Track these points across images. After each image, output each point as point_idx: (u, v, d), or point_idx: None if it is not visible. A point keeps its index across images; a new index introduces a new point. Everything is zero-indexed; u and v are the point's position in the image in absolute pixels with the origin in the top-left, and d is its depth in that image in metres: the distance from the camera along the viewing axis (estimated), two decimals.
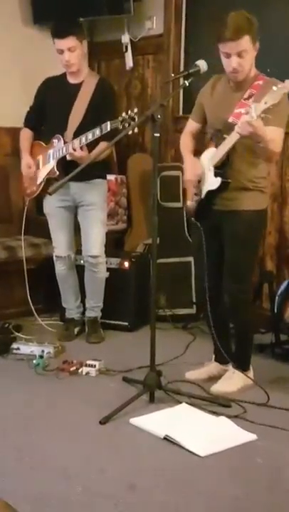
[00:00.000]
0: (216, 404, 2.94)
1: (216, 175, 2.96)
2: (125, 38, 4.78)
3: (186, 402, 2.93)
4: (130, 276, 4.09)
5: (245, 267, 3.08)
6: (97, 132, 3.41)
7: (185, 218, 4.50)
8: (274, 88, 2.64)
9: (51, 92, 3.80)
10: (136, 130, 3.21)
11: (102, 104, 3.62)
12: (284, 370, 3.44)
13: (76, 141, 3.52)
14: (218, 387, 3.11)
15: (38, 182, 3.79)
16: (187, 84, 2.95)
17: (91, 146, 3.54)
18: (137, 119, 3.16)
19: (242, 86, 2.96)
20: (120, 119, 3.20)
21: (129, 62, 4.86)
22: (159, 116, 2.84)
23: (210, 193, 3.00)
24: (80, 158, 3.48)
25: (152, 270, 2.97)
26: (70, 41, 3.57)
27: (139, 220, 4.75)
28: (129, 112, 3.21)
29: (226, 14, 2.87)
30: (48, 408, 2.93)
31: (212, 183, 2.98)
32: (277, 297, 3.68)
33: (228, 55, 2.86)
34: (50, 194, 3.22)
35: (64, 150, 3.60)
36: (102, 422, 2.73)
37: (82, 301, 4.00)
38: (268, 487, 2.31)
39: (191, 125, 3.24)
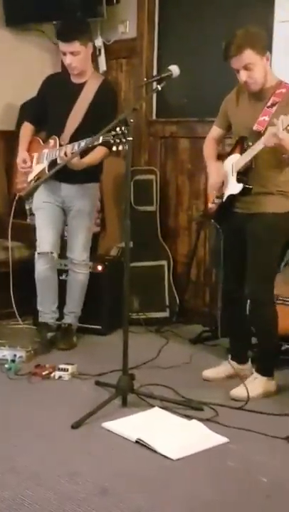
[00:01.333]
0: (189, 407, 2.95)
1: (238, 180, 3.02)
2: (98, 42, 4.78)
3: (159, 406, 2.93)
4: (104, 279, 4.09)
5: (266, 267, 3.10)
6: (89, 142, 3.34)
7: (158, 222, 4.52)
8: None
9: (53, 89, 3.75)
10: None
11: (103, 107, 3.56)
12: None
13: (69, 147, 3.48)
14: (239, 391, 3.08)
15: (29, 179, 3.75)
16: (160, 88, 2.98)
17: (86, 150, 3.46)
18: (126, 135, 3.11)
19: (264, 95, 3.01)
20: (113, 133, 3.14)
21: (103, 65, 4.85)
22: (132, 120, 2.86)
23: (231, 197, 3.06)
24: (70, 163, 3.43)
25: (125, 274, 2.98)
26: (73, 46, 3.53)
27: (113, 223, 4.75)
28: (123, 128, 3.13)
29: (232, 33, 2.94)
30: (20, 412, 2.91)
31: (234, 187, 3.04)
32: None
33: (238, 70, 2.94)
34: (23, 198, 3.20)
35: (56, 153, 3.56)
36: (74, 427, 2.72)
37: (60, 308, 3.91)
38: (239, 490, 2.32)
39: (216, 131, 3.31)
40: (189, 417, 2.84)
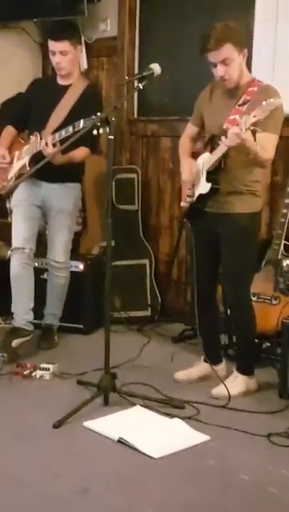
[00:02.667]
0: (170, 406, 2.95)
1: (207, 180, 3.00)
2: None
3: (141, 405, 2.94)
4: (85, 278, 4.08)
5: (240, 269, 3.10)
6: (70, 129, 3.31)
7: (140, 220, 4.52)
8: (263, 103, 2.65)
9: (38, 92, 3.75)
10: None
11: (86, 109, 3.50)
12: None
13: (50, 137, 3.45)
14: (220, 390, 3.09)
15: (9, 177, 3.71)
16: (141, 87, 2.97)
17: (68, 149, 3.40)
18: (109, 120, 3.10)
19: (236, 93, 2.99)
20: (93, 117, 3.11)
21: (84, 64, 4.83)
22: (113, 118, 2.85)
23: (201, 196, 3.05)
24: (50, 154, 3.37)
25: (107, 273, 2.97)
26: (63, 45, 3.52)
27: (94, 222, 4.74)
28: (104, 112, 3.14)
29: (210, 27, 2.89)
30: (1, 412, 2.89)
31: (203, 187, 3.02)
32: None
33: (214, 65, 2.90)
34: (2, 197, 3.17)
35: (38, 146, 3.54)
36: (56, 426, 2.71)
37: (39, 309, 3.81)
38: (220, 488, 2.33)
39: (191, 129, 3.29)
40: (171, 416, 2.85)
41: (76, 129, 3.25)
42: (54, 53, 3.56)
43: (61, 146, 3.24)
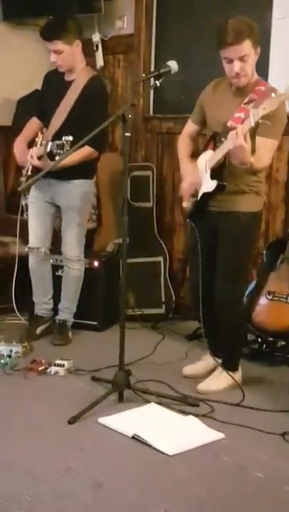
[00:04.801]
0: (185, 403, 2.95)
1: (212, 177, 2.97)
2: (96, 37, 4.78)
3: (155, 402, 2.94)
4: (100, 275, 4.08)
5: (238, 266, 3.09)
6: (48, 149, 3.42)
7: (155, 218, 4.53)
8: (273, 95, 2.63)
9: (49, 86, 3.78)
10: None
11: (89, 102, 3.55)
12: (251, 370, 3.47)
13: (35, 149, 3.51)
14: (205, 386, 3.12)
15: (24, 174, 3.73)
16: (158, 84, 2.95)
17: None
18: (68, 146, 3.20)
19: (243, 91, 2.95)
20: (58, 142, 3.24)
21: (100, 61, 4.85)
22: (130, 116, 2.85)
23: (206, 195, 3.02)
24: (37, 166, 3.47)
25: (122, 270, 2.97)
26: (55, 45, 3.54)
27: (109, 219, 4.74)
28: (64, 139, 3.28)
29: (224, 21, 2.84)
30: (16, 408, 2.91)
31: (208, 185, 2.99)
32: (244, 297, 3.71)
33: (230, 61, 2.84)
34: (19, 192, 3.19)
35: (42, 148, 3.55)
36: (71, 422, 2.72)
37: (55, 301, 3.94)
38: (234, 486, 2.33)
39: (191, 126, 3.25)
40: (185, 413, 2.85)
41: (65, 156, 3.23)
42: (51, 52, 3.59)
43: (55, 162, 3.29)
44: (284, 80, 3.95)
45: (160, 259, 4.46)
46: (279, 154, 4.10)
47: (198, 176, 3.08)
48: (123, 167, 2.95)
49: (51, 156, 3.47)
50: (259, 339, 3.65)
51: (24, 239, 3.93)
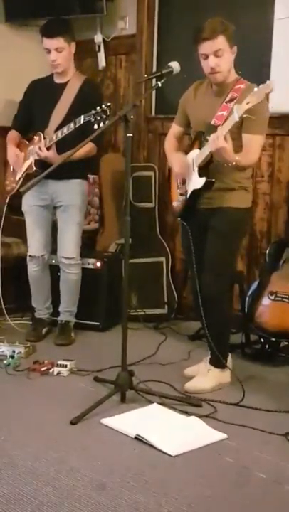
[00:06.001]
0: (187, 404, 2.95)
1: (200, 175, 3.00)
2: (98, 38, 4.78)
3: (157, 402, 2.94)
4: (102, 276, 4.09)
5: (223, 260, 3.09)
6: (71, 126, 3.40)
7: (157, 218, 4.53)
8: (255, 89, 2.69)
9: (37, 93, 3.80)
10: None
11: (86, 103, 3.57)
12: (254, 370, 3.48)
13: (43, 141, 3.52)
14: (192, 384, 3.13)
15: (17, 178, 3.76)
16: (160, 85, 2.97)
17: (72, 146, 3.40)
18: (109, 112, 3.18)
19: (223, 90, 3.01)
20: (93, 112, 3.20)
21: (102, 61, 4.85)
22: (132, 116, 2.85)
23: (195, 192, 3.04)
24: (46, 158, 3.49)
25: (124, 270, 2.97)
26: (57, 42, 3.57)
27: (111, 219, 4.75)
28: (103, 106, 3.21)
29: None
30: (19, 408, 2.91)
31: (197, 182, 3.02)
32: (247, 297, 3.71)
33: (206, 56, 2.93)
34: (22, 193, 3.20)
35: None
36: (73, 422, 2.72)
37: (54, 302, 3.98)
38: (237, 486, 2.33)
39: (175, 129, 3.30)
40: (188, 414, 2.85)
41: (77, 125, 3.31)
42: (49, 51, 3.60)
43: (67, 154, 3.25)
44: (286, 79, 3.96)
45: (162, 259, 4.46)
46: (281, 154, 4.11)
47: (187, 166, 3.09)
48: (125, 167, 2.96)
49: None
50: (262, 339, 3.65)
51: (24, 239, 3.94)
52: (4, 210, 3.87)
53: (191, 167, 3.07)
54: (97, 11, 4.58)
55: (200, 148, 3.01)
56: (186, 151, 3.19)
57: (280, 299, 3.55)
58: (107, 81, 4.93)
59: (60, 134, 3.48)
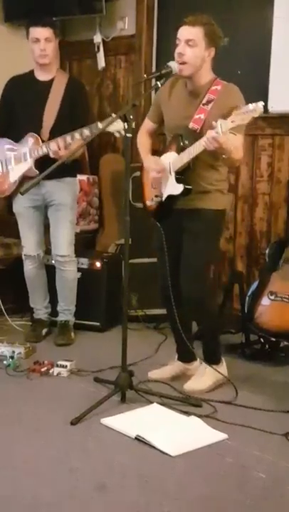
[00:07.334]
0: (187, 404, 2.95)
1: (178, 180, 2.98)
2: (97, 38, 4.79)
3: (158, 402, 2.94)
4: (102, 276, 4.09)
5: (201, 261, 3.07)
6: (77, 136, 3.43)
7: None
8: (243, 109, 2.65)
9: (20, 90, 3.75)
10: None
11: (76, 101, 3.62)
12: (254, 370, 3.48)
13: (61, 141, 3.49)
14: (191, 385, 3.13)
15: (12, 180, 3.73)
16: (160, 85, 2.95)
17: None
18: (130, 120, 3.17)
19: (198, 91, 2.98)
20: (111, 117, 3.18)
21: (101, 62, 4.85)
22: (131, 116, 2.85)
23: (171, 197, 3.03)
24: (63, 156, 3.46)
25: (124, 270, 2.97)
26: (48, 31, 3.59)
27: (111, 220, 4.75)
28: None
29: None
30: (19, 409, 2.91)
31: (174, 188, 3.00)
32: (247, 298, 3.71)
33: (179, 42, 2.91)
34: (21, 194, 3.19)
35: (44, 149, 3.56)
36: (73, 423, 2.72)
37: (52, 302, 3.99)
38: (237, 486, 2.33)
39: (148, 125, 3.28)
40: (188, 414, 2.85)
41: (95, 131, 3.30)
42: (38, 40, 3.59)
43: (71, 151, 3.37)
44: (285, 79, 3.96)
45: None
46: (281, 154, 4.11)
47: (163, 169, 3.07)
48: (125, 168, 2.95)
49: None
50: (261, 339, 3.65)
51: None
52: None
53: (168, 171, 3.05)
54: (96, 12, 4.58)
55: (178, 152, 2.98)
56: (160, 152, 3.16)
57: (279, 299, 3.55)
58: (107, 81, 4.93)
59: (70, 139, 3.45)
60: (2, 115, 3.80)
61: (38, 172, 3.59)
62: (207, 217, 3.02)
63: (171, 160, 3.02)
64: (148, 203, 3.19)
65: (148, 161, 3.18)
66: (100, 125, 3.32)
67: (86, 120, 3.57)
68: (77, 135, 3.43)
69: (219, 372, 3.16)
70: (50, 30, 3.60)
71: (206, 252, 3.07)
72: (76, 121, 3.54)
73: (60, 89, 3.67)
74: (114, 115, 2.98)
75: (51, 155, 3.52)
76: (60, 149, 3.48)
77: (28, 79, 3.76)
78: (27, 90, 3.73)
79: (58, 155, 3.48)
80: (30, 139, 3.65)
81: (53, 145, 3.51)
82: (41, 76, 3.72)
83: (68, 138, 3.47)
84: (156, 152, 3.22)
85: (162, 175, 3.08)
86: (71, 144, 3.47)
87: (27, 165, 3.66)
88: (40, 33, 3.58)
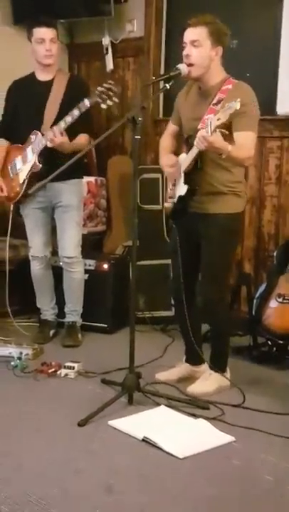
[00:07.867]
0: (195, 406, 2.95)
1: (185, 181, 2.99)
2: (106, 40, 4.80)
3: (165, 404, 2.94)
4: (109, 278, 4.09)
5: (220, 268, 3.08)
6: (76, 113, 3.45)
7: (164, 221, 4.52)
8: (226, 105, 2.64)
9: (22, 92, 3.78)
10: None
11: (77, 97, 3.59)
12: (261, 372, 3.47)
13: (56, 128, 3.51)
14: (195, 388, 3.13)
15: (21, 181, 3.74)
16: (168, 87, 2.94)
17: (70, 137, 3.58)
18: (114, 88, 3.29)
19: (209, 92, 2.97)
20: (97, 92, 3.25)
21: (110, 64, 4.86)
22: (140, 118, 2.85)
23: (180, 198, 3.04)
24: (61, 144, 3.51)
25: (132, 272, 2.97)
26: (52, 32, 3.62)
27: (119, 222, 4.75)
28: (104, 84, 3.30)
29: None
30: (26, 410, 2.91)
31: (182, 188, 3.02)
32: (254, 300, 3.71)
33: (185, 45, 2.92)
34: (29, 194, 3.20)
35: (43, 141, 3.58)
36: (81, 424, 2.72)
37: (58, 303, 3.99)
38: (244, 488, 2.32)
39: (170, 127, 3.29)
40: (195, 416, 2.84)
41: (82, 110, 3.39)
42: (44, 41, 3.61)
43: (76, 144, 3.46)
44: None
45: (169, 261, 4.44)
46: None
47: (178, 169, 3.08)
48: (133, 170, 2.96)
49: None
50: (269, 342, 3.63)
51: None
52: (11, 214, 3.87)
53: (179, 172, 3.06)
54: (105, 14, 4.59)
55: (187, 153, 2.99)
56: (178, 154, 3.18)
57: (287, 301, 3.54)
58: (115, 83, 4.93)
59: (64, 124, 3.49)
60: (8, 118, 3.84)
61: (40, 165, 3.61)
62: (220, 222, 2.99)
63: (182, 160, 3.04)
64: (165, 204, 3.21)
65: (161, 159, 3.21)
66: (86, 102, 3.40)
67: (88, 115, 3.57)
68: (68, 118, 3.48)
69: (226, 377, 3.15)
70: (55, 31, 3.64)
71: (221, 257, 3.06)
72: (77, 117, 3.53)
73: (61, 87, 3.69)
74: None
75: (48, 144, 3.54)
76: (55, 136, 3.50)
77: (30, 81, 3.78)
78: (29, 91, 3.75)
79: (54, 143, 3.51)
80: (32, 137, 3.67)
81: (49, 133, 3.54)
82: (42, 76, 3.74)
83: (62, 123, 3.51)
84: (178, 155, 3.22)
85: (175, 170, 3.09)
86: (65, 127, 3.49)
87: (31, 162, 3.68)
88: (45, 33, 3.60)
